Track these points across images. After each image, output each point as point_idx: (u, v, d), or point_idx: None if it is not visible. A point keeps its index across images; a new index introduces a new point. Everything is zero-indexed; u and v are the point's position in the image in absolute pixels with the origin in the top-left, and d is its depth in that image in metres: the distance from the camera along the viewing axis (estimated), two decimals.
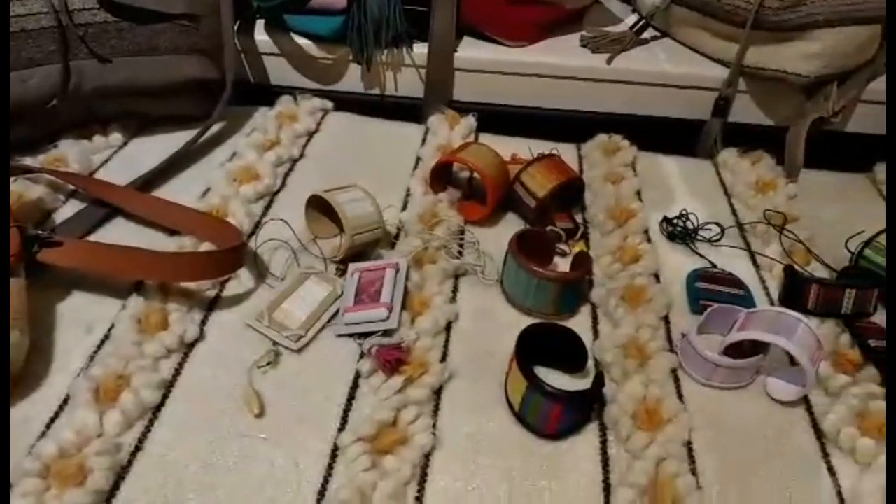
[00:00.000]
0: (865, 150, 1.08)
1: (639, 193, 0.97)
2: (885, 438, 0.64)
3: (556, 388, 0.61)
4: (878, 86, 1.07)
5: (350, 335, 0.70)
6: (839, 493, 0.61)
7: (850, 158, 1.08)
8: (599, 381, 0.62)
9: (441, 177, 0.91)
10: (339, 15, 1.07)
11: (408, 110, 1.12)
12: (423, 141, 1.04)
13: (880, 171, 1.04)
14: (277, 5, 1.06)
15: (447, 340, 0.72)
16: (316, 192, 0.78)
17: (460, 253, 0.82)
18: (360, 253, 0.79)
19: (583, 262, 0.76)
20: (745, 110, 1.10)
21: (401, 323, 0.71)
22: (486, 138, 1.07)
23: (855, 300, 0.75)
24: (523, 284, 0.74)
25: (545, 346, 0.68)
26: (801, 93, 1.07)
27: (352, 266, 0.76)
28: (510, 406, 0.65)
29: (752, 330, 0.68)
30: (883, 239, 0.80)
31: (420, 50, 1.10)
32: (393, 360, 0.64)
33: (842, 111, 1.03)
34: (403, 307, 0.72)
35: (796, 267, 0.83)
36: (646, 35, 1.17)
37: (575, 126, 1.10)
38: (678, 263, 0.85)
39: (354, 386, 0.66)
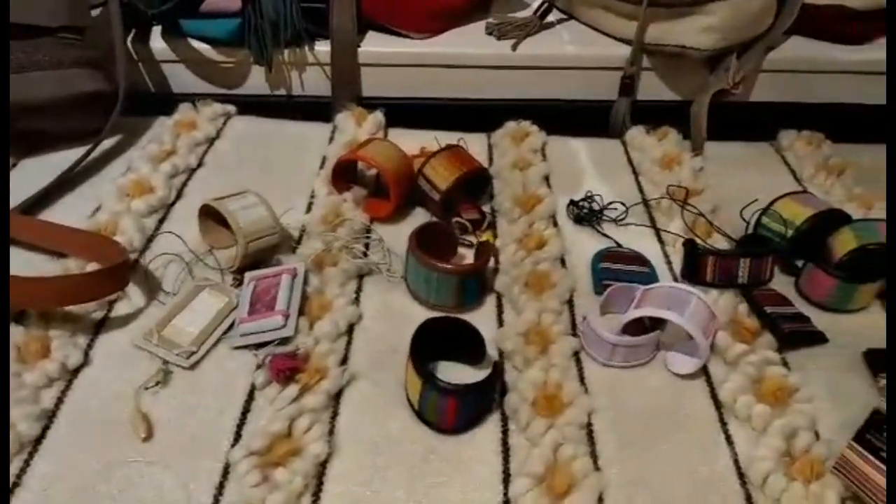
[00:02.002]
0: (769, 118, 1.10)
1: (547, 179, 0.97)
2: (780, 404, 0.65)
3: (449, 383, 0.60)
4: (777, 55, 1.09)
5: (246, 346, 0.68)
6: (735, 461, 0.62)
7: (755, 128, 1.10)
8: (495, 371, 0.62)
9: (345, 176, 0.90)
10: (234, 17, 1.04)
11: (318, 109, 1.10)
12: (331, 140, 1.02)
13: (784, 138, 1.06)
14: (170, 10, 1.03)
15: (349, 342, 0.71)
16: (207, 201, 0.76)
17: (365, 252, 0.81)
18: (259, 260, 0.77)
19: (484, 253, 0.76)
20: (652, 87, 1.11)
21: (298, 329, 0.69)
22: (395, 133, 1.06)
23: (750, 269, 0.76)
24: (424, 279, 0.73)
25: (445, 339, 0.67)
26: (704, 67, 1.08)
27: (248, 275, 0.74)
28: (410, 404, 0.64)
29: (646, 307, 0.69)
30: (778, 206, 0.82)
31: (323, 47, 1.08)
32: (286, 368, 0.63)
33: (742, 82, 1.05)
34: (301, 313, 0.71)
35: (697, 240, 0.84)
36: (552, 18, 1.17)
37: (487, 115, 1.10)
38: (584, 245, 0.85)
39: (250, 399, 0.64)
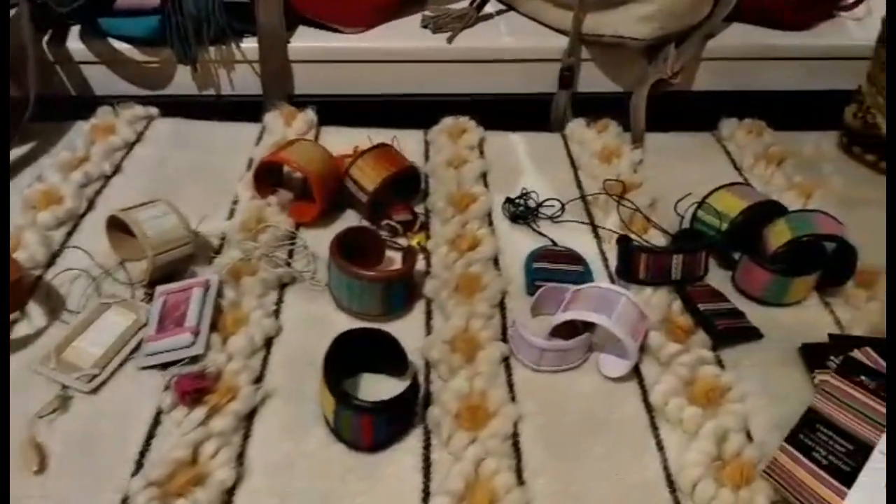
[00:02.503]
0: (711, 107, 1.08)
1: (485, 176, 0.94)
2: (712, 405, 0.63)
3: (363, 401, 0.57)
4: (717, 43, 1.07)
5: (154, 367, 0.64)
6: (665, 468, 0.60)
7: (698, 117, 1.08)
8: (413, 385, 0.59)
9: (270, 179, 0.86)
10: (153, 14, 0.99)
11: (249, 108, 1.05)
12: (259, 141, 0.98)
13: (725, 127, 1.04)
14: (83, 8, 0.97)
15: (266, 357, 0.67)
16: (115, 211, 0.72)
17: (289, 260, 0.77)
18: (172, 273, 0.73)
19: (409, 257, 0.73)
20: (592, 79, 1.09)
21: (210, 346, 0.65)
22: (328, 131, 1.02)
23: (683, 265, 0.74)
24: (347, 287, 0.70)
25: (366, 350, 0.64)
26: (643, 57, 1.06)
27: (159, 289, 0.70)
28: (327, 422, 0.61)
29: (574, 309, 0.66)
30: (713, 199, 0.80)
31: (251, 44, 1.04)
32: (192, 390, 0.59)
33: (681, 71, 1.03)
34: (215, 328, 0.67)
35: (633, 236, 0.81)
36: (490, 10, 1.13)
37: (424, 110, 1.06)
38: (519, 245, 0.82)
39: (156, 424, 0.60)
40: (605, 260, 0.81)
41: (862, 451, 0.59)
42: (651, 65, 1.05)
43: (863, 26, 1.11)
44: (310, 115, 1.01)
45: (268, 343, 0.68)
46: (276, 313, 0.71)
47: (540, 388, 0.66)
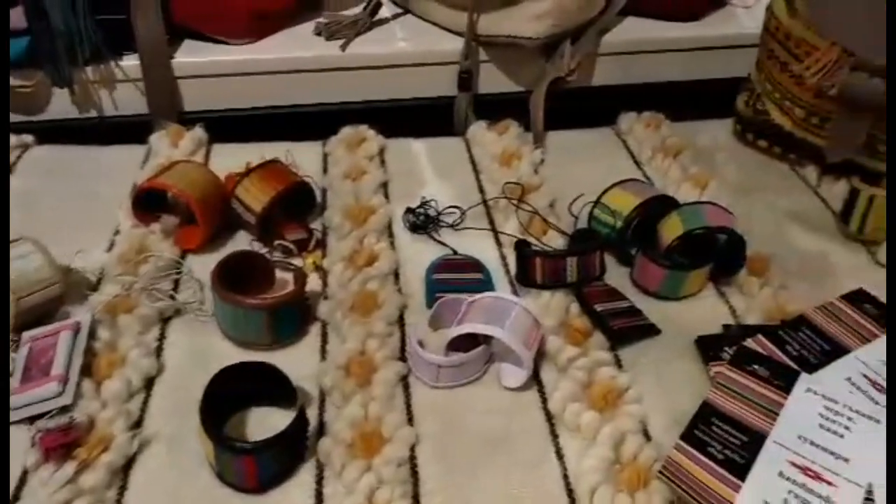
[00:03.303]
0: (611, 102, 1.09)
1: (385, 186, 0.92)
2: (610, 407, 0.63)
3: (244, 442, 0.54)
4: (613, 38, 1.08)
5: (20, 421, 0.59)
6: (565, 476, 0.59)
7: (599, 113, 1.08)
8: (298, 418, 0.56)
9: (152, 205, 0.81)
10: (22, 35, 0.93)
11: (137, 129, 1.00)
12: (144, 164, 0.93)
13: (623, 121, 1.05)
14: None
15: (146, 400, 0.63)
16: None
17: (174, 291, 0.73)
18: (42, 316, 0.68)
19: (297, 280, 0.70)
20: (492, 80, 1.08)
21: (81, 394, 0.61)
22: (219, 149, 0.98)
23: (578, 267, 0.73)
24: (232, 317, 0.67)
25: (253, 384, 0.61)
26: (540, 55, 1.05)
27: (25, 335, 0.65)
28: (210, 465, 0.57)
29: (468, 321, 0.65)
30: (607, 197, 0.79)
31: (133, 61, 0.99)
32: (57, 445, 0.55)
33: (578, 68, 1.03)
34: (87, 373, 0.63)
35: (532, 239, 0.81)
36: (386, 14, 1.11)
37: (323, 121, 1.03)
38: (421, 256, 0.80)
39: (22, 484, 0.56)
40: (506, 266, 0.80)
41: (756, 442, 0.60)
42: (548, 63, 1.04)
43: (752, 14, 1.14)
44: (198, 133, 0.97)
45: (148, 384, 0.64)
46: (158, 350, 0.67)
47: (439, 406, 0.64)
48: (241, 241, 0.82)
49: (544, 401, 0.65)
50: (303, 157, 0.93)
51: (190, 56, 1.01)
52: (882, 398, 0.64)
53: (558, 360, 0.67)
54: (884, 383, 0.65)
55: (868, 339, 0.69)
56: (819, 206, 0.90)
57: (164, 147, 0.94)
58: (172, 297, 0.72)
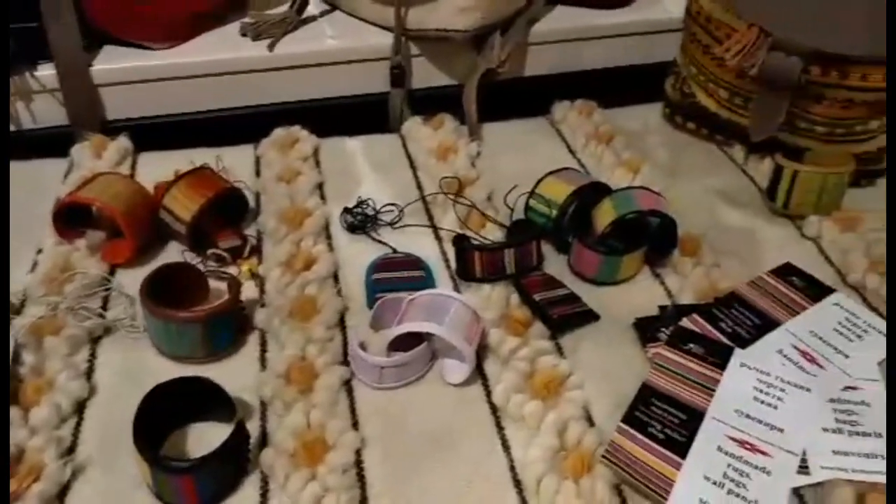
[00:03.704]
0: (545, 91, 1.09)
1: (321, 187, 0.91)
2: (552, 396, 0.63)
3: (180, 461, 0.52)
4: (542, 27, 1.08)
5: None
6: (512, 468, 0.59)
7: (534, 102, 1.09)
8: (236, 431, 0.55)
9: (74, 220, 0.78)
10: None
11: (59, 142, 0.96)
12: (67, 178, 0.89)
13: (557, 110, 1.06)
14: None
15: (79, 424, 0.61)
16: None
17: (103, 308, 0.71)
18: None
19: (231, 289, 0.68)
20: (425, 74, 1.07)
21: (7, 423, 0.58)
22: (147, 158, 0.95)
23: (516, 259, 0.74)
24: (164, 331, 0.65)
25: (190, 399, 0.59)
26: (471, 48, 1.05)
27: None
28: (149, 487, 0.55)
29: (408, 320, 0.64)
30: (541, 187, 0.80)
31: (50, 70, 0.94)
32: None
33: (509, 59, 1.03)
34: (14, 401, 0.60)
35: (470, 233, 0.81)
36: (314, 11, 1.09)
37: (255, 123, 1.01)
38: (361, 256, 0.79)
39: None
40: (446, 261, 0.80)
41: (695, 419, 0.61)
42: (479, 55, 1.04)
43: None
44: (123, 142, 0.93)
45: (80, 408, 0.62)
46: (89, 372, 0.65)
47: (384, 408, 0.64)
48: (173, 252, 0.79)
49: (489, 394, 0.65)
50: (234, 162, 0.92)
51: (110, 63, 0.97)
52: (812, 367, 0.66)
53: (500, 353, 0.67)
54: (813, 353, 0.67)
55: (796, 311, 0.72)
56: (747, 183, 0.93)
57: (87, 159, 0.90)
58: (101, 315, 0.69)
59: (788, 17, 0.82)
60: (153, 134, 0.98)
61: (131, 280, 0.74)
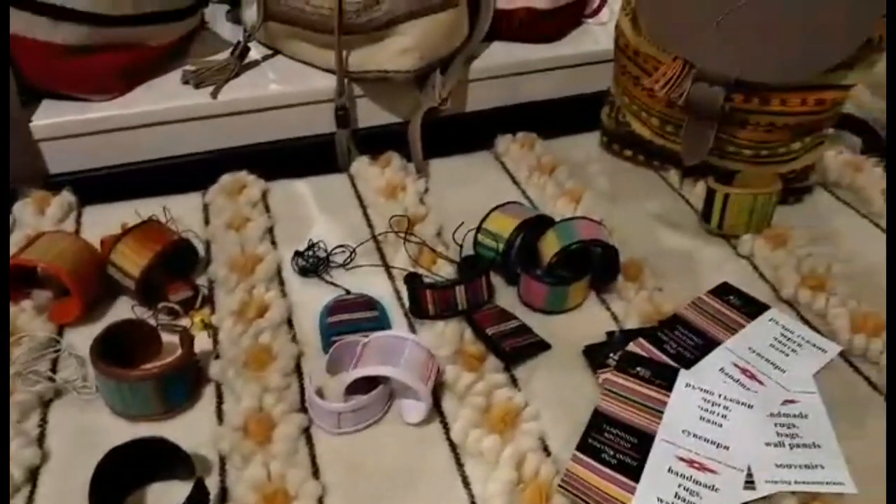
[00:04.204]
0: (488, 125, 1.12)
1: (271, 231, 0.91)
2: (509, 429, 0.65)
3: None
4: (481, 63, 1.12)
5: None
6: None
7: (478, 136, 1.11)
8: (197, 489, 0.55)
9: (18, 281, 0.76)
10: None
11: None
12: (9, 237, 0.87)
13: (500, 143, 1.09)
14: None
15: (32, 493, 0.59)
16: None
17: (53, 371, 0.69)
18: None
19: (183, 343, 0.68)
20: (370, 114, 1.09)
21: None
22: (91, 211, 0.94)
23: (467, 294, 0.75)
24: (117, 391, 0.64)
25: (148, 459, 0.59)
26: (413, 86, 1.07)
27: None
28: None
29: (362, 366, 0.65)
30: (488, 222, 0.82)
31: None
32: None
33: (450, 96, 1.06)
34: None
35: (422, 271, 0.82)
36: (257, 56, 1.10)
37: (203, 169, 1.01)
38: (314, 300, 0.80)
39: None
40: (400, 300, 0.81)
41: (646, 442, 0.64)
42: (421, 94, 1.07)
43: (606, 30, 1.21)
44: (66, 197, 0.93)
45: (32, 476, 0.61)
46: (41, 437, 0.64)
47: (344, 453, 0.64)
48: (122, 307, 0.78)
49: (447, 431, 0.66)
50: (182, 211, 0.91)
51: (49, 117, 0.96)
52: (752, 383, 0.69)
53: (457, 389, 0.69)
54: (752, 370, 0.71)
55: (735, 329, 0.75)
56: (683, 206, 0.97)
57: (29, 216, 0.89)
58: (51, 378, 0.68)
59: (711, 49, 0.87)
60: (97, 185, 0.97)
61: (81, 339, 0.73)
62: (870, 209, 0.95)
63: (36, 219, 0.89)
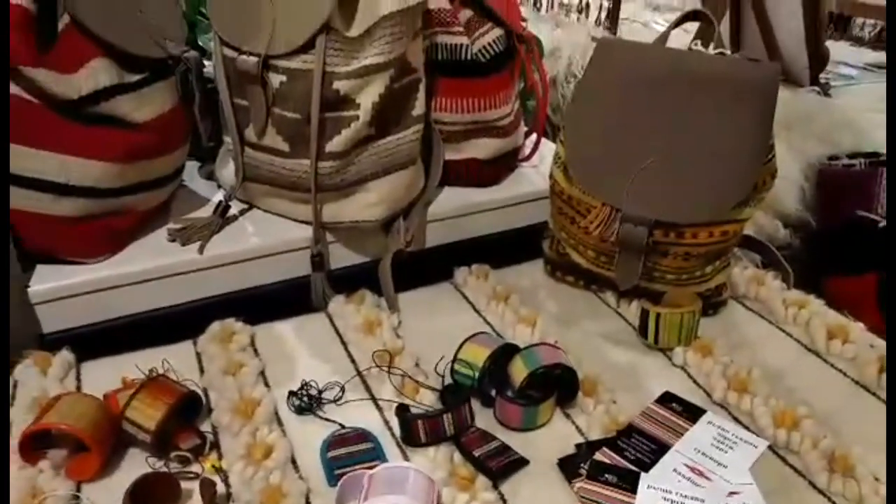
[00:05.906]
0: (447, 259, 1.27)
1: (263, 374, 1.00)
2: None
3: None
4: (437, 207, 1.27)
5: None
6: None
7: (440, 269, 1.25)
8: None
9: (37, 443, 0.82)
10: None
11: None
12: (13, 400, 0.92)
13: (458, 275, 1.22)
14: None
15: None
16: None
17: None
18: None
19: (204, 491, 0.75)
20: (342, 256, 1.21)
21: None
22: (90, 367, 1.00)
23: (454, 421, 0.86)
24: None
25: None
26: (381, 231, 1.21)
27: None
28: None
29: (372, 496, 0.74)
30: (462, 353, 0.94)
31: None
32: None
33: (413, 238, 1.20)
34: None
35: (408, 401, 0.92)
36: (235, 211, 1.22)
37: (190, 317, 1.09)
38: (313, 437, 0.88)
39: None
40: (390, 429, 0.90)
41: None
42: (388, 237, 1.21)
43: (539, 171, 1.41)
44: (66, 355, 0.99)
45: None
46: None
47: None
48: (135, 458, 0.84)
49: None
50: (177, 361, 0.99)
51: (44, 282, 1.03)
52: (702, 480, 0.82)
53: None
54: (700, 468, 0.83)
55: (681, 433, 0.88)
56: (623, 324, 1.12)
57: (33, 377, 0.94)
58: None
59: (633, 198, 1.04)
60: (91, 341, 1.04)
61: (99, 493, 0.78)
62: (776, 318, 1.13)
63: (39, 379, 0.94)
